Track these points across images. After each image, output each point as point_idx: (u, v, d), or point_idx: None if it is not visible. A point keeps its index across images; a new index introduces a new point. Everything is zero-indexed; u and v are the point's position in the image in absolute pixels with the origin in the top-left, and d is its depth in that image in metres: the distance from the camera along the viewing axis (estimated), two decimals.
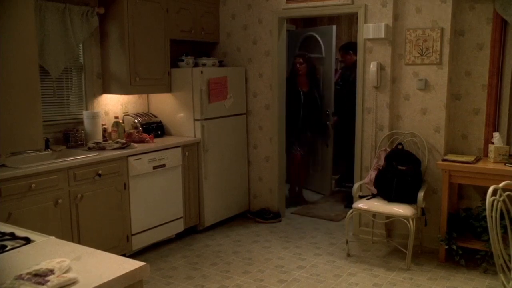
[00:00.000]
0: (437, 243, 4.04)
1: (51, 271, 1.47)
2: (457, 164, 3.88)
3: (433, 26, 4.10)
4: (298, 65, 5.55)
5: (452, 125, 4.27)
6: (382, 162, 4.15)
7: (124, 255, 3.12)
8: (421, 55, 4.17)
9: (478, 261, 3.82)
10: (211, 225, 4.81)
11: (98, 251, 1.72)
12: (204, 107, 4.59)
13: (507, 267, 2.35)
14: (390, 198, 3.99)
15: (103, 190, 3.74)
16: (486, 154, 4.05)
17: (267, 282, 3.67)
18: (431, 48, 4.12)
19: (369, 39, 4.33)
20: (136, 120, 4.56)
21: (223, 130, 4.85)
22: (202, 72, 4.56)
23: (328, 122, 5.86)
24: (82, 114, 4.20)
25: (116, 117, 4.41)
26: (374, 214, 4.21)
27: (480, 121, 4.14)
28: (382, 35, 4.21)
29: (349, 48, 5.59)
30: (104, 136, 4.27)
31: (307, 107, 5.61)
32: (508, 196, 2.43)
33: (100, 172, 3.69)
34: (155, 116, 4.78)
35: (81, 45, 4.19)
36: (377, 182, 4.08)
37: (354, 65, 4.87)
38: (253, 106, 5.14)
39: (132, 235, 4.03)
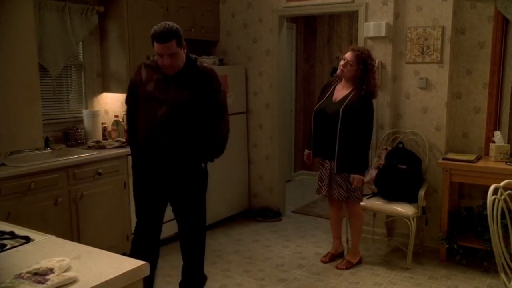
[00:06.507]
0: (438, 242, 4.03)
1: (51, 270, 1.47)
2: (458, 163, 3.87)
3: (434, 25, 4.09)
4: (341, 67, 3.68)
5: (453, 123, 4.26)
6: (382, 161, 4.14)
7: (124, 254, 3.11)
8: (422, 53, 4.16)
9: (479, 260, 3.81)
10: (211, 224, 4.79)
11: (98, 250, 1.72)
12: None
13: (508, 266, 2.35)
14: (391, 197, 3.98)
15: (103, 189, 3.74)
16: (487, 153, 4.04)
17: (268, 281, 3.66)
18: (432, 46, 4.11)
19: (369, 38, 4.32)
20: None
21: None
22: None
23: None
24: (82, 113, 4.19)
25: (116, 116, 4.40)
26: (375, 213, 4.21)
27: (481, 120, 4.13)
28: (383, 34, 4.20)
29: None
30: (104, 135, 4.26)
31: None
32: (509, 195, 2.42)
33: (100, 171, 3.68)
34: None
35: (80, 43, 4.19)
36: (378, 181, 4.07)
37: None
38: (253, 104, 5.13)
39: (132, 234, 4.01)
